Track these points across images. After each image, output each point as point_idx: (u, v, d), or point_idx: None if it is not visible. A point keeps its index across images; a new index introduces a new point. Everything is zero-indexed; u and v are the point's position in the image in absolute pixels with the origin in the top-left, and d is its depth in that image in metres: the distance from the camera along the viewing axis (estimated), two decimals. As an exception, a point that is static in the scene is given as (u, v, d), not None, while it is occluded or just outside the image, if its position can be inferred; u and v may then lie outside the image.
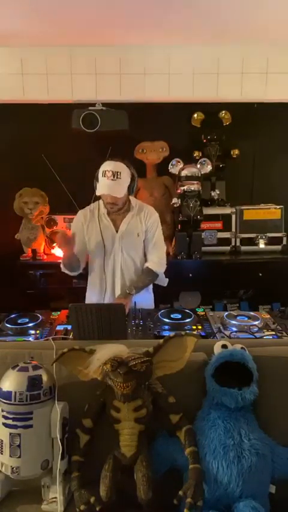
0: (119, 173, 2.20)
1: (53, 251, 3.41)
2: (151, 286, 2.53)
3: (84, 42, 3.10)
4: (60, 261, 2.41)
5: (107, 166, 2.22)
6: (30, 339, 1.96)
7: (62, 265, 2.40)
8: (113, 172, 2.19)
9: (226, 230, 3.34)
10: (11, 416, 1.35)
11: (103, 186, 2.21)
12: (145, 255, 2.45)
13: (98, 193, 2.24)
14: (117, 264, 2.37)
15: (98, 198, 2.39)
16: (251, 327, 2.00)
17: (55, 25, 2.77)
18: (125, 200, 2.33)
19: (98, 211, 2.38)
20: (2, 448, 1.36)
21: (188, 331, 1.91)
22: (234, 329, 1.99)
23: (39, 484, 1.43)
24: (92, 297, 2.46)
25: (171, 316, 2.14)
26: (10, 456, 1.35)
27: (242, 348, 1.53)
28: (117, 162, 2.23)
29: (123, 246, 2.36)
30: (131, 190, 2.30)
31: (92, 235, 2.37)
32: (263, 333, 1.97)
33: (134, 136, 3.37)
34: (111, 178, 2.19)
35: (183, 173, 3.11)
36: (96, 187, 2.26)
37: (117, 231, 2.36)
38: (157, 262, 2.42)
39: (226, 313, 2.18)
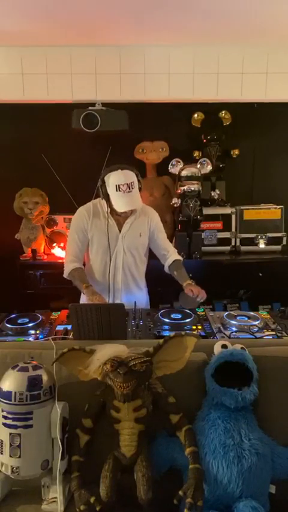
0: (132, 183, 2.18)
1: (53, 251, 3.41)
2: (146, 286, 2.55)
3: (84, 42, 3.09)
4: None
5: (119, 179, 2.18)
6: (30, 339, 1.95)
7: (67, 275, 2.38)
8: (127, 184, 2.16)
9: (226, 230, 3.35)
10: (11, 416, 1.35)
11: (123, 202, 2.20)
12: (144, 253, 2.46)
13: (119, 210, 2.23)
14: (119, 263, 2.38)
15: (98, 197, 2.39)
16: (251, 327, 2.00)
17: (55, 25, 2.77)
18: None
19: (101, 210, 2.37)
20: (2, 448, 1.36)
21: (188, 331, 1.91)
22: (234, 329, 1.99)
23: (39, 484, 1.43)
24: None
25: (171, 316, 2.14)
26: (10, 456, 1.35)
27: (242, 348, 1.53)
28: (125, 171, 2.21)
29: (125, 245, 2.36)
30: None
31: (95, 234, 2.36)
32: (263, 333, 1.97)
33: (134, 136, 3.37)
34: (127, 191, 2.17)
35: (183, 173, 3.11)
36: (107, 200, 2.23)
37: (120, 231, 2.36)
38: (175, 251, 2.51)
39: (226, 313, 2.18)
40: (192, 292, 2.24)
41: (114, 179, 2.18)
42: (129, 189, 2.17)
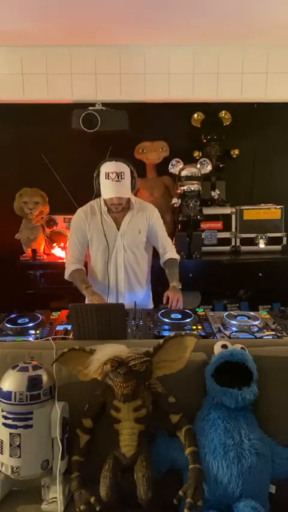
0: (122, 173, 2.20)
1: (53, 251, 3.41)
2: (149, 284, 2.55)
3: (84, 42, 3.10)
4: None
5: (110, 167, 2.21)
6: (30, 339, 1.95)
7: (68, 277, 2.38)
8: (117, 173, 2.19)
9: (226, 230, 3.35)
10: (11, 416, 1.35)
11: (110, 189, 2.21)
12: (146, 250, 2.46)
13: (105, 196, 2.25)
14: (120, 262, 2.38)
15: (98, 197, 2.39)
16: (251, 327, 2.00)
17: (55, 25, 2.78)
18: (128, 198, 2.33)
19: (98, 209, 2.38)
20: (2, 448, 1.36)
21: (188, 331, 1.91)
22: (234, 329, 1.99)
23: (39, 484, 1.43)
24: None
25: (171, 316, 2.14)
26: (10, 456, 1.35)
27: (242, 348, 1.53)
28: (118, 162, 2.23)
29: (125, 243, 2.37)
30: (132, 187, 2.30)
31: (93, 233, 2.37)
32: (263, 333, 1.97)
33: (134, 136, 3.37)
34: (115, 180, 2.19)
35: (183, 173, 3.11)
36: (100, 189, 2.26)
37: (118, 229, 2.36)
38: (173, 249, 2.50)
39: (226, 313, 2.17)
40: (167, 298, 2.26)
41: (105, 168, 2.23)
42: (118, 178, 2.19)
